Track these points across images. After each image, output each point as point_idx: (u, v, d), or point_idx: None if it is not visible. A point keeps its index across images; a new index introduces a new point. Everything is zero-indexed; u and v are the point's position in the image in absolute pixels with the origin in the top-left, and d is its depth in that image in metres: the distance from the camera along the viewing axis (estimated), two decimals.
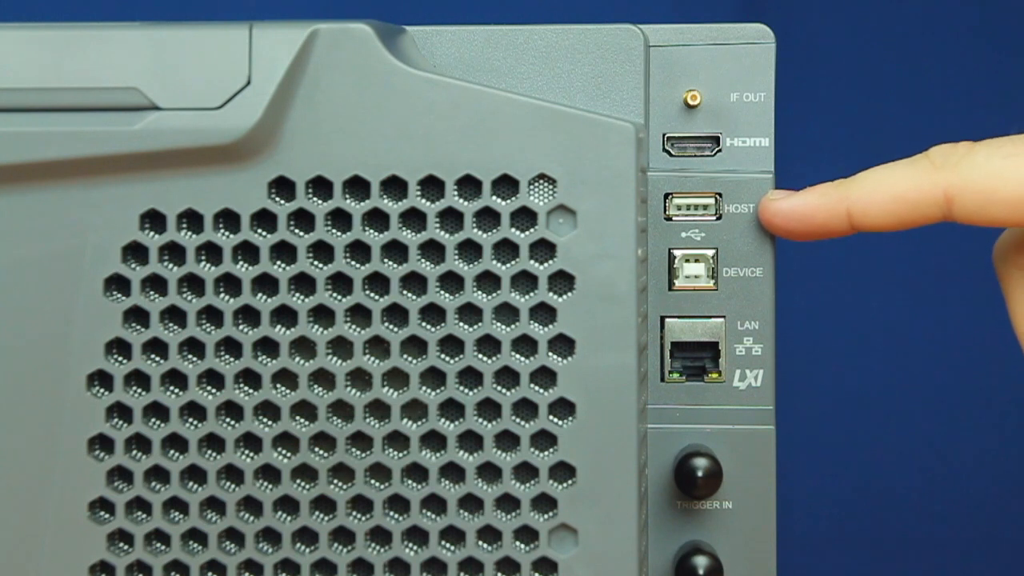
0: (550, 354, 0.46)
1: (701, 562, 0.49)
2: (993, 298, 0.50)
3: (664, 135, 0.50)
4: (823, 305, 0.95)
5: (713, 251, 0.50)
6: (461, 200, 0.46)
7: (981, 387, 0.96)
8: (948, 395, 0.96)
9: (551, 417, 0.46)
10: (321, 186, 0.46)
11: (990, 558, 0.98)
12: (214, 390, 0.47)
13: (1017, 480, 0.98)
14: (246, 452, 0.47)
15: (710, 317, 0.50)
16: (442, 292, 0.46)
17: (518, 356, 0.46)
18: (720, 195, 0.50)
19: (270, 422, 0.47)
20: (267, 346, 0.47)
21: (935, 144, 0.48)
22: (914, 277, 0.96)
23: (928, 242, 0.96)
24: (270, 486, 0.47)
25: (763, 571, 0.50)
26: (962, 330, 0.96)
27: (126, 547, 0.47)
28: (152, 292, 0.47)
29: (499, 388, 0.46)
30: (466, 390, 0.46)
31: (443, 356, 0.46)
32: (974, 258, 0.96)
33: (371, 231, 0.46)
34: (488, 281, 0.46)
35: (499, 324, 0.46)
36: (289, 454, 0.47)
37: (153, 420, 0.47)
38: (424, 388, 0.46)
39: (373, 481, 0.47)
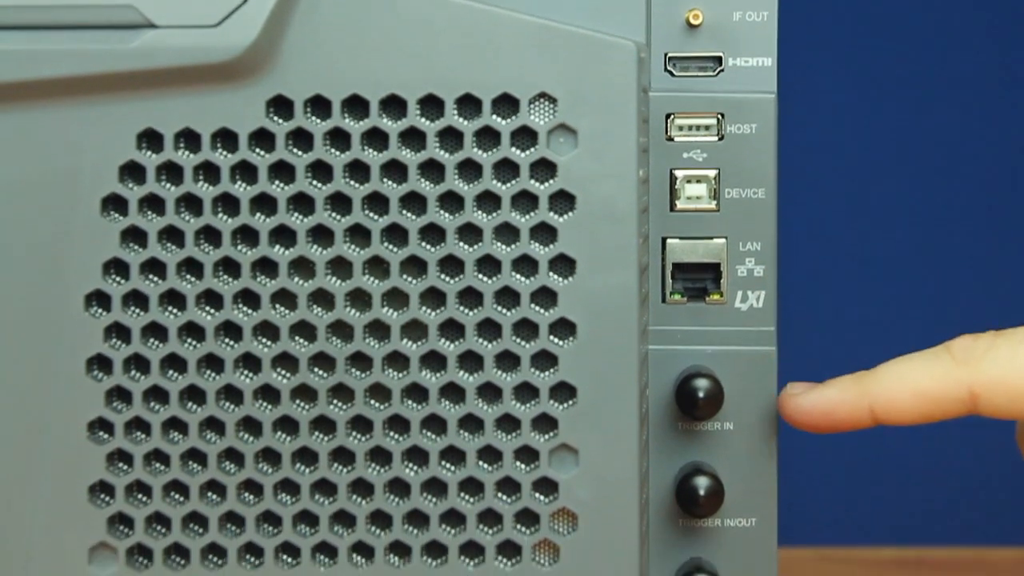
0: (551, 274, 0.46)
1: (702, 483, 0.49)
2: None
3: (666, 55, 0.50)
4: (824, 225, 0.95)
5: (715, 172, 0.50)
6: (461, 119, 0.46)
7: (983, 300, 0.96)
8: (947, 315, 0.95)
9: (552, 337, 0.46)
10: (320, 105, 0.46)
11: (987, 488, 0.99)
12: (213, 310, 0.46)
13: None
14: (245, 372, 0.46)
15: (712, 238, 0.50)
16: (442, 212, 0.46)
17: (518, 276, 0.46)
18: (722, 115, 0.50)
19: (269, 342, 0.46)
20: (266, 266, 0.46)
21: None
22: (915, 197, 0.96)
23: (925, 172, 0.95)
24: (269, 407, 0.47)
25: (764, 491, 0.50)
26: (962, 255, 0.96)
27: (125, 467, 0.47)
28: (150, 212, 0.46)
29: (499, 308, 0.46)
30: (466, 310, 0.46)
31: (443, 276, 0.46)
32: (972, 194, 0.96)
33: (370, 150, 0.46)
34: (488, 201, 0.46)
35: (499, 244, 0.46)
36: (288, 374, 0.46)
37: (151, 340, 0.47)
38: (424, 308, 0.46)
39: (373, 401, 0.46)
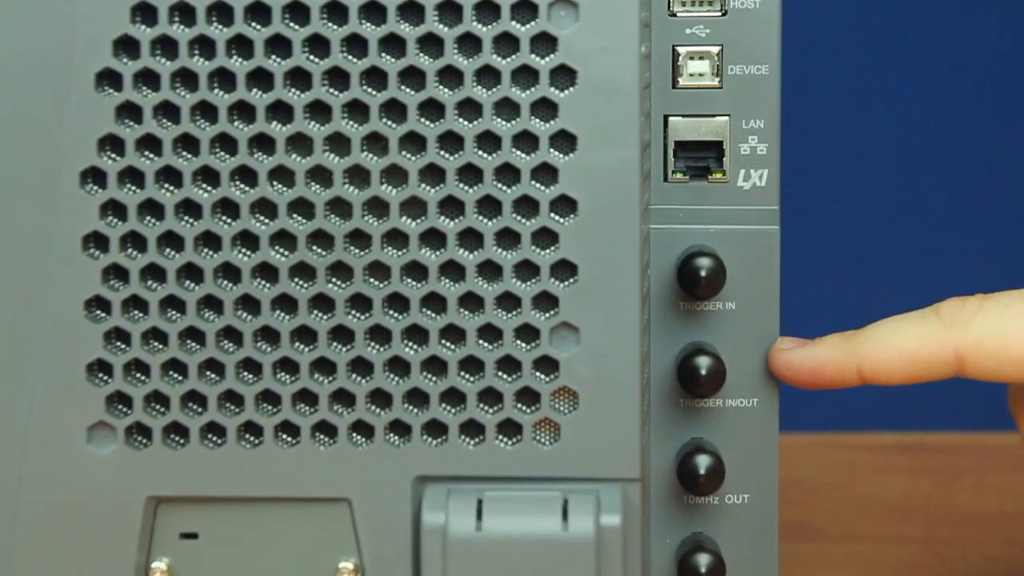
0: (551, 150, 0.45)
1: (704, 362, 0.49)
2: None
3: None
4: (830, 104, 0.94)
5: (718, 48, 0.49)
6: None
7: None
8: (956, 228, 0.95)
9: (552, 214, 0.45)
10: None
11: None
12: (209, 187, 0.46)
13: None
14: (243, 250, 0.46)
15: (714, 116, 0.49)
16: (441, 87, 0.45)
17: (519, 152, 0.45)
18: None
19: (267, 220, 0.46)
20: (263, 142, 0.46)
21: None
22: (924, 76, 0.95)
23: (938, 69, 0.94)
24: (268, 285, 0.46)
25: (766, 370, 0.50)
26: (966, 152, 0.95)
27: (123, 346, 0.47)
28: (145, 87, 0.46)
29: (499, 185, 0.45)
30: (466, 187, 0.45)
31: (442, 152, 0.45)
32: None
33: (368, 25, 0.45)
34: (488, 76, 0.45)
35: (499, 120, 0.45)
36: (287, 252, 0.46)
37: (148, 218, 0.46)
38: (423, 185, 0.46)
39: (372, 280, 0.46)
